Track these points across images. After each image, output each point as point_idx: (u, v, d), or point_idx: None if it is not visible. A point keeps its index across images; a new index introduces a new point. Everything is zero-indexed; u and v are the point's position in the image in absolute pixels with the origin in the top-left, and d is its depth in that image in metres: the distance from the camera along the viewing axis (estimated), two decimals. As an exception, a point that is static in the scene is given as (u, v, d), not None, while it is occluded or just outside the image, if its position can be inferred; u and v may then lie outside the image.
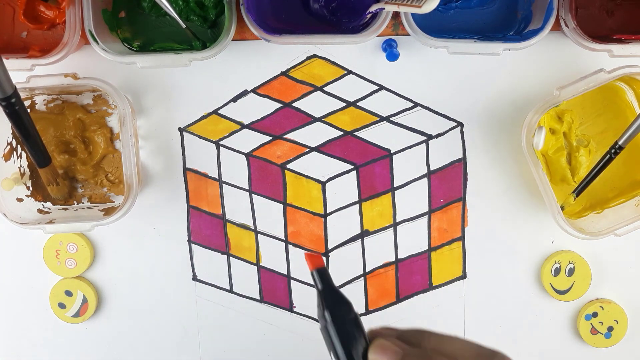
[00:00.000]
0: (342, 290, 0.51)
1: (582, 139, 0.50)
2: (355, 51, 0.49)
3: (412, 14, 0.44)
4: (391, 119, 0.49)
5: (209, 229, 0.51)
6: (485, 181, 0.50)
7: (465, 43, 0.45)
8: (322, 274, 0.35)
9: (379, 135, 0.50)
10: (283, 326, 0.52)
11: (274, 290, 0.51)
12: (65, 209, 0.50)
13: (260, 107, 0.49)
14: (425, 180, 0.50)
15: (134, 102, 0.49)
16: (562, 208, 0.48)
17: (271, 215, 0.50)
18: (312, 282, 0.51)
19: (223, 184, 0.50)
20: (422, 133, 0.50)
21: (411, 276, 0.51)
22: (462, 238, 0.51)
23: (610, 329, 0.51)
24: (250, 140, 0.50)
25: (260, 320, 0.51)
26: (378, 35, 0.45)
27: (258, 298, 0.51)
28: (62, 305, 0.51)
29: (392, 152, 0.50)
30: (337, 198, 0.50)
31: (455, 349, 0.34)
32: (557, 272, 0.51)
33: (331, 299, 0.35)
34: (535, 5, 0.46)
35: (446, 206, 0.50)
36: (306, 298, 0.51)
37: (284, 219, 0.51)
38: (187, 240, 0.51)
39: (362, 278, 0.51)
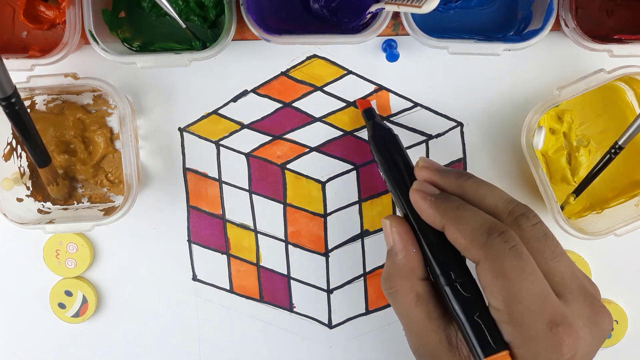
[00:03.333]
0: (342, 290, 0.51)
1: (582, 139, 0.50)
2: (355, 51, 0.49)
3: (412, 14, 0.44)
4: (391, 119, 0.49)
5: (208, 229, 0.51)
6: (485, 181, 0.50)
7: (465, 43, 0.45)
8: (367, 112, 0.47)
9: (379, 135, 0.50)
10: (283, 326, 0.52)
11: (274, 290, 0.51)
12: (65, 209, 0.50)
13: (260, 107, 0.50)
14: (425, 180, 0.50)
15: (134, 102, 0.49)
16: (562, 208, 0.48)
17: (271, 215, 0.50)
18: (312, 283, 0.51)
19: (223, 184, 0.50)
20: (422, 133, 0.50)
21: (411, 276, 0.51)
22: (462, 238, 0.51)
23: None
24: (250, 140, 0.50)
25: (260, 320, 0.52)
26: (378, 35, 0.45)
27: (258, 298, 0.51)
28: (62, 305, 0.51)
29: (392, 152, 0.50)
30: (337, 198, 0.50)
31: (489, 202, 0.36)
32: (557, 272, 0.51)
33: (372, 127, 0.45)
34: (535, 5, 0.47)
35: (446, 206, 0.50)
36: (306, 298, 0.51)
37: (284, 219, 0.51)
38: (187, 240, 0.51)
39: (362, 278, 0.51)
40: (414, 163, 0.42)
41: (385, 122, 0.47)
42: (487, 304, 0.34)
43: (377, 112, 0.48)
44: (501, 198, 0.36)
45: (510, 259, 0.33)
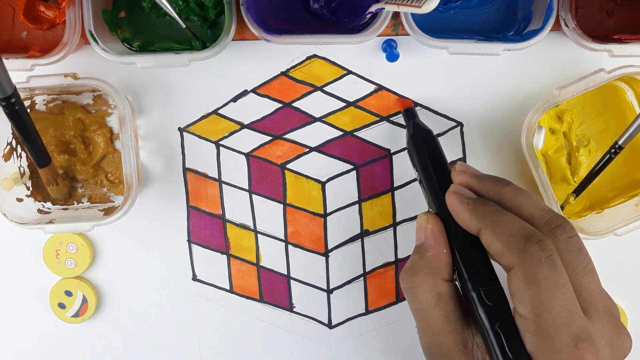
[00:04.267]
0: (342, 290, 0.51)
1: (582, 138, 0.50)
2: (355, 51, 0.49)
3: (412, 14, 0.44)
4: (391, 119, 0.49)
5: (208, 229, 0.51)
6: (485, 181, 0.50)
7: (465, 43, 0.45)
8: (408, 112, 0.47)
9: (379, 135, 0.50)
10: (283, 326, 0.52)
11: (274, 290, 0.51)
12: (65, 209, 0.50)
13: (260, 107, 0.50)
14: (425, 180, 0.50)
15: (134, 102, 0.49)
16: (562, 208, 0.48)
17: (271, 215, 0.50)
18: (312, 283, 0.51)
19: (223, 184, 0.50)
20: (422, 133, 0.50)
21: (411, 276, 0.51)
22: (462, 238, 0.51)
23: (610, 329, 0.51)
24: (250, 140, 0.50)
25: (260, 320, 0.52)
26: (378, 35, 0.45)
27: (258, 298, 0.51)
28: (62, 305, 0.51)
29: (392, 152, 0.50)
30: (337, 198, 0.50)
31: (526, 210, 0.36)
32: (557, 272, 0.50)
33: (413, 127, 0.45)
34: (535, 5, 0.46)
35: (446, 206, 0.50)
36: (306, 298, 0.51)
37: (284, 219, 0.51)
38: (187, 240, 0.51)
39: (362, 278, 0.51)
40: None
41: (424, 123, 0.46)
42: (512, 313, 0.34)
43: (417, 112, 0.48)
44: (539, 207, 0.36)
45: (545, 268, 0.32)
